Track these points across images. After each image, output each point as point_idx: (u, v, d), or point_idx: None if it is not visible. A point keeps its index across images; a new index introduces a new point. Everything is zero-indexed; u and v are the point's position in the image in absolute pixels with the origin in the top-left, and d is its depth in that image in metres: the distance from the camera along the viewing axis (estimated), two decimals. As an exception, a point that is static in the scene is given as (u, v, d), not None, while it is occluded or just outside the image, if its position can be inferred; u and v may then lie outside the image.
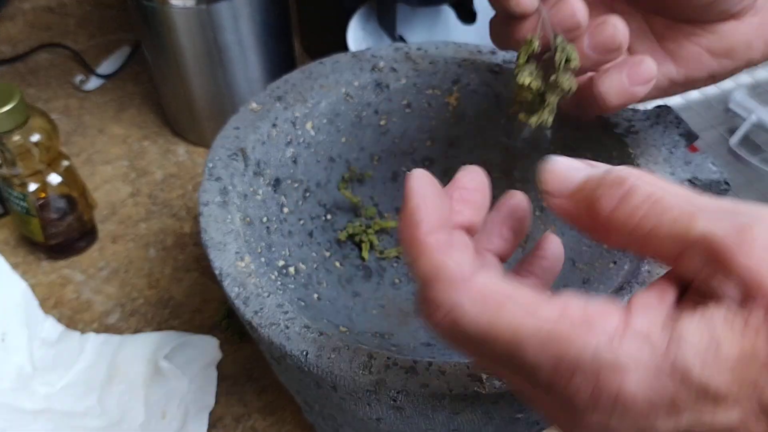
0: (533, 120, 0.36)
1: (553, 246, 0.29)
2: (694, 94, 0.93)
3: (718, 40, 0.34)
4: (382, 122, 0.50)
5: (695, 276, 0.20)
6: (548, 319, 0.20)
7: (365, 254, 0.50)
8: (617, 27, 0.32)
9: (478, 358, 0.23)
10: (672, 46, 0.35)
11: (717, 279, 0.20)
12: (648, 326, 0.20)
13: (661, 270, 0.35)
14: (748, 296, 0.19)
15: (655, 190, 0.21)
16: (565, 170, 0.23)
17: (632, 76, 0.33)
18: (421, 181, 0.23)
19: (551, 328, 0.19)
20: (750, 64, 0.34)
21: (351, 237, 0.50)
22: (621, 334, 0.19)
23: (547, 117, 0.36)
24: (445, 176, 0.26)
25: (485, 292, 0.20)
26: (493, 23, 0.36)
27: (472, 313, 0.20)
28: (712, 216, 0.20)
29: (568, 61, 0.33)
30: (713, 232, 0.19)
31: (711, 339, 0.19)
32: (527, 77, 0.35)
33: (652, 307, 0.20)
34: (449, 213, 0.24)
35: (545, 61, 0.34)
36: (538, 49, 0.34)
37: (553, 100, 0.35)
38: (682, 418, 0.19)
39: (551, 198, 0.23)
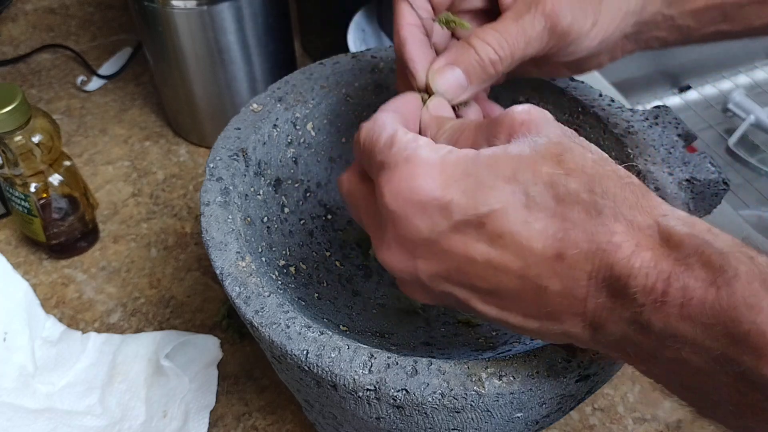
0: None
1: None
2: (692, 95, 0.94)
3: (577, 67, 0.42)
4: (383, 123, 0.50)
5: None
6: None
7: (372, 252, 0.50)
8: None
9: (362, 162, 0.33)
10: (539, 67, 0.42)
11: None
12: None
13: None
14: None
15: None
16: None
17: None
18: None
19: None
20: (598, 68, 0.43)
21: (358, 243, 0.51)
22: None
23: None
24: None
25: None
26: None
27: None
28: None
29: None
30: None
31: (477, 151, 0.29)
32: None
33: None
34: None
35: None
36: None
37: None
38: (453, 209, 0.27)
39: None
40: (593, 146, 0.28)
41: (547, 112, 0.29)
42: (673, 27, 0.39)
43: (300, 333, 0.33)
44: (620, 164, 0.28)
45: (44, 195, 0.56)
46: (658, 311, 0.24)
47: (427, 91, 0.37)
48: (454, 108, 0.37)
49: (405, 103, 0.35)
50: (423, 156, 0.28)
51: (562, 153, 0.27)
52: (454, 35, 0.40)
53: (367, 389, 0.31)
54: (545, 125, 0.28)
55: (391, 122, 0.31)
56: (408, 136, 0.29)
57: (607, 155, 0.28)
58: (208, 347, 0.51)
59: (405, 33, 0.37)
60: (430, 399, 0.31)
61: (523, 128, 0.28)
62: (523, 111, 0.29)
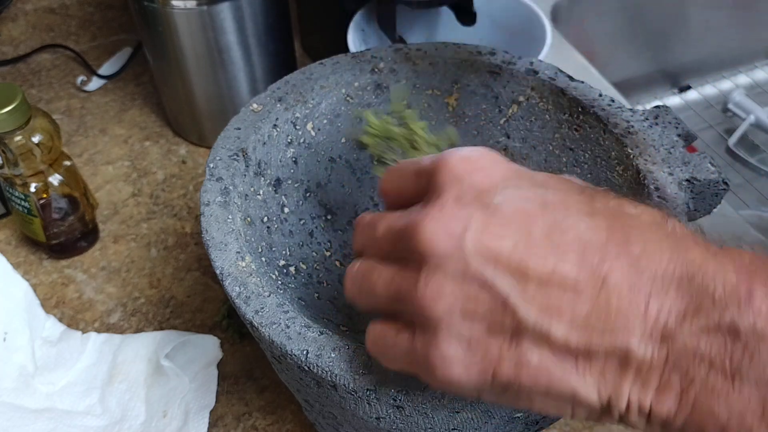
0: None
1: None
2: (692, 95, 0.94)
3: None
4: (383, 123, 0.50)
5: None
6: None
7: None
8: None
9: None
10: None
11: None
12: None
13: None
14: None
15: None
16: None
17: None
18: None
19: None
20: None
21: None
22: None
23: None
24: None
25: None
26: None
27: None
28: None
29: None
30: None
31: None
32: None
33: None
34: None
35: None
36: None
37: None
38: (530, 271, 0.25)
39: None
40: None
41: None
42: None
43: (300, 333, 0.33)
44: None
45: (44, 195, 0.56)
46: (748, 312, 0.23)
47: None
48: None
49: None
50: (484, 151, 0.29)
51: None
52: None
53: (367, 389, 0.31)
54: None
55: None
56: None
57: None
58: (208, 347, 0.51)
59: None
60: (430, 399, 0.31)
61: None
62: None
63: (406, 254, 0.27)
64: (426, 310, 0.26)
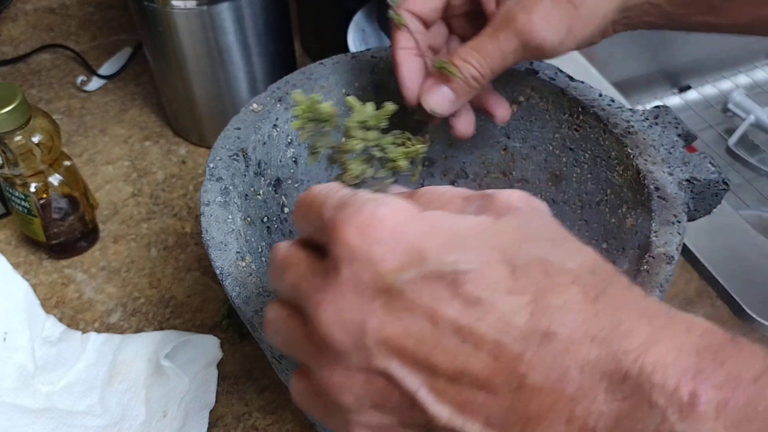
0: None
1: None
2: (692, 95, 0.94)
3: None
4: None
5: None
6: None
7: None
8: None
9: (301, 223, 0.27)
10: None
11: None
12: None
13: (660, 265, 0.36)
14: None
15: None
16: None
17: None
18: None
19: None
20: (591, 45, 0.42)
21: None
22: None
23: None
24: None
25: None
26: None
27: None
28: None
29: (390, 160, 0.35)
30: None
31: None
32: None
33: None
34: None
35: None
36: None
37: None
38: (428, 255, 0.23)
39: None
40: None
41: (543, 205, 0.26)
42: (662, 14, 0.40)
43: (300, 333, 0.33)
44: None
45: (44, 195, 0.56)
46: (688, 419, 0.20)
47: (420, 110, 0.41)
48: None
49: None
50: (398, 201, 0.24)
51: (556, 238, 0.24)
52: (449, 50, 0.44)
53: (367, 389, 0.31)
54: (537, 216, 0.25)
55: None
56: (375, 195, 0.25)
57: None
58: (208, 347, 0.51)
59: (398, 57, 0.41)
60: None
61: (517, 212, 0.25)
62: (521, 199, 0.25)
63: (311, 327, 0.24)
64: (333, 397, 0.24)
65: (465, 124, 0.44)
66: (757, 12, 0.39)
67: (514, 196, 0.25)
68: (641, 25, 0.41)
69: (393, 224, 0.23)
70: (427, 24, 0.42)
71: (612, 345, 0.21)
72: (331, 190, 0.26)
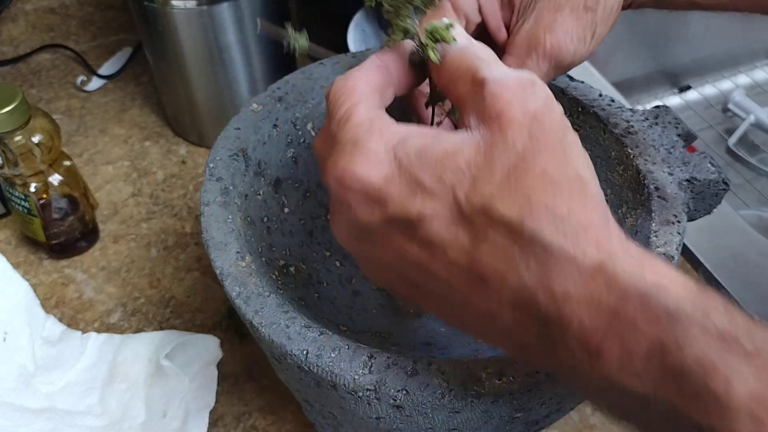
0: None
1: None
2: (692, 95, 0.94)
3: None
4: (382, 123, 0.50)
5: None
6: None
7: None
8: None
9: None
10: None
11: (467, 100, 0.27)
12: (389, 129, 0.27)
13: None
14: (481, 120, 0.26)
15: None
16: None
17: None
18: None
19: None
20: None
21: None
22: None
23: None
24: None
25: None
26: None
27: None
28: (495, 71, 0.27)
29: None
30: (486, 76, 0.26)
31: (424, 143, 0.26)
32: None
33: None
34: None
35: None
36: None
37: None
38: (389, 205, 0.26)
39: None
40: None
41: (548, 104, 0.26)
42: None
43: (300, 333, 0.33)
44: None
45: (44, 195, 0.56)
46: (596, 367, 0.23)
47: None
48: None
49: (393, 58, 0.32)
50: (371, 145, 0.27)
51: (517, 164, 0.24)
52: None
53: (367, 389, 0.31)
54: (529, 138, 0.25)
55: (362, 89, 0.29)
56: (367, 115, 0.28)
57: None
58: (208, 347, 0.51)
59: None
60: (430, 399, 0.31)
61: (509, 131, 0.25)
62: (518, 104, 0.25)
63: None
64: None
65: None
66: None
67: (510, 100, 0.25)
68: (634, 4, 0.42)
69: (362, 174, 0.26)
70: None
71: (535, 296, 0.24)
72: (342, 102, 0.29)
